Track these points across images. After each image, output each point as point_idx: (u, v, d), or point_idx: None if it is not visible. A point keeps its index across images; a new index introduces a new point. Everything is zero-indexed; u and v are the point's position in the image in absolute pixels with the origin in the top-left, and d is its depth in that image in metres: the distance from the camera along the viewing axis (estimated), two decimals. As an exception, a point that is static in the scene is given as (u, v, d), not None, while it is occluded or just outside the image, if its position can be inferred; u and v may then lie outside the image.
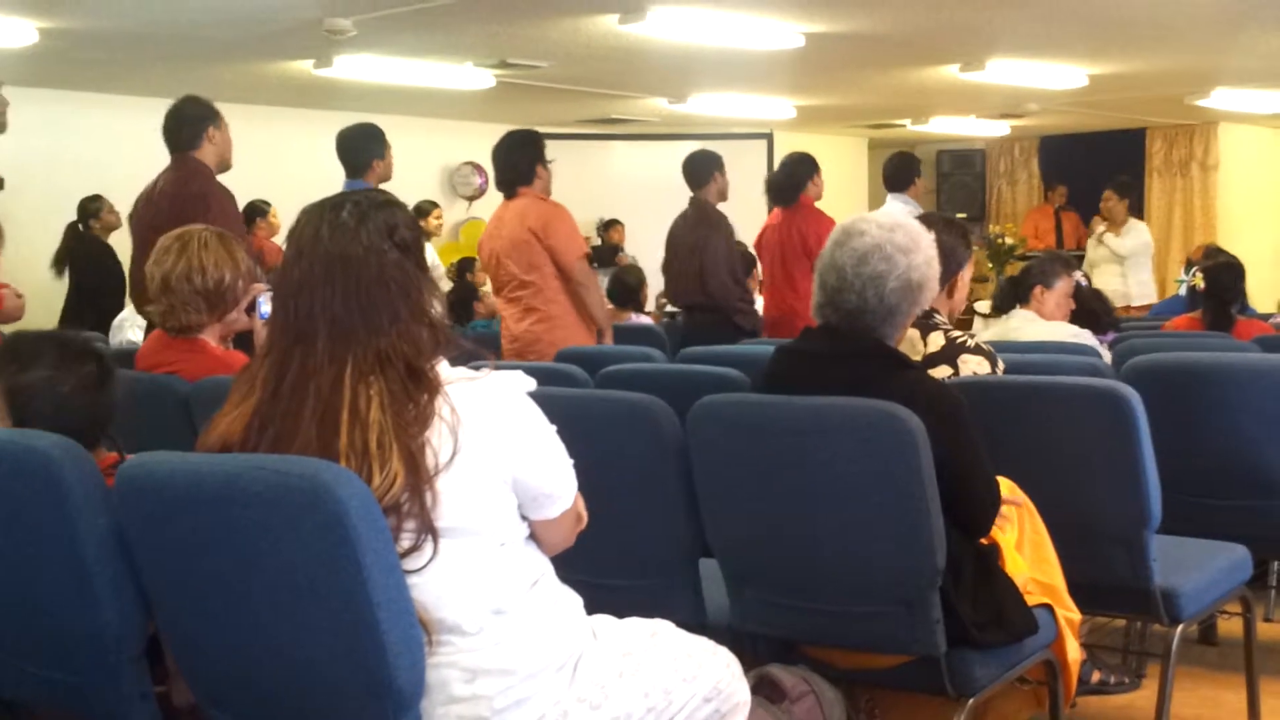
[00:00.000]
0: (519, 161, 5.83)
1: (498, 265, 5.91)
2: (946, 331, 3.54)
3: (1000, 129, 13.48)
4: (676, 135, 11.88)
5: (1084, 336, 5.02)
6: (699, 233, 6.78)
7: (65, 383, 2.67)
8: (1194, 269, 6.87)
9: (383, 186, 5.46)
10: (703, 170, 6.86)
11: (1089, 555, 3.19)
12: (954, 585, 2.73)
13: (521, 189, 5.83)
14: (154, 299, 3.76)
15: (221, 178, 5.07)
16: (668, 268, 7.11)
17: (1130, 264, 9.51)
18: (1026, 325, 5.10)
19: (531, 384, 2.17)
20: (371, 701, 1.96)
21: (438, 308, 2.15)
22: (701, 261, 6.71)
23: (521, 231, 5.74)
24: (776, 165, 7.66)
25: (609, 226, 12.17)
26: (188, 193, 4.86)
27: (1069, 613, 2.99)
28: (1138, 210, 13.28)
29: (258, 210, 9.23)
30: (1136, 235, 9.31)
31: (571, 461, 2.22)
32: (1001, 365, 3.56)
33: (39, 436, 2.35)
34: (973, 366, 3.48)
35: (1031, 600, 2.88)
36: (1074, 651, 2.98)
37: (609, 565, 3.04)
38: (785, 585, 2.93)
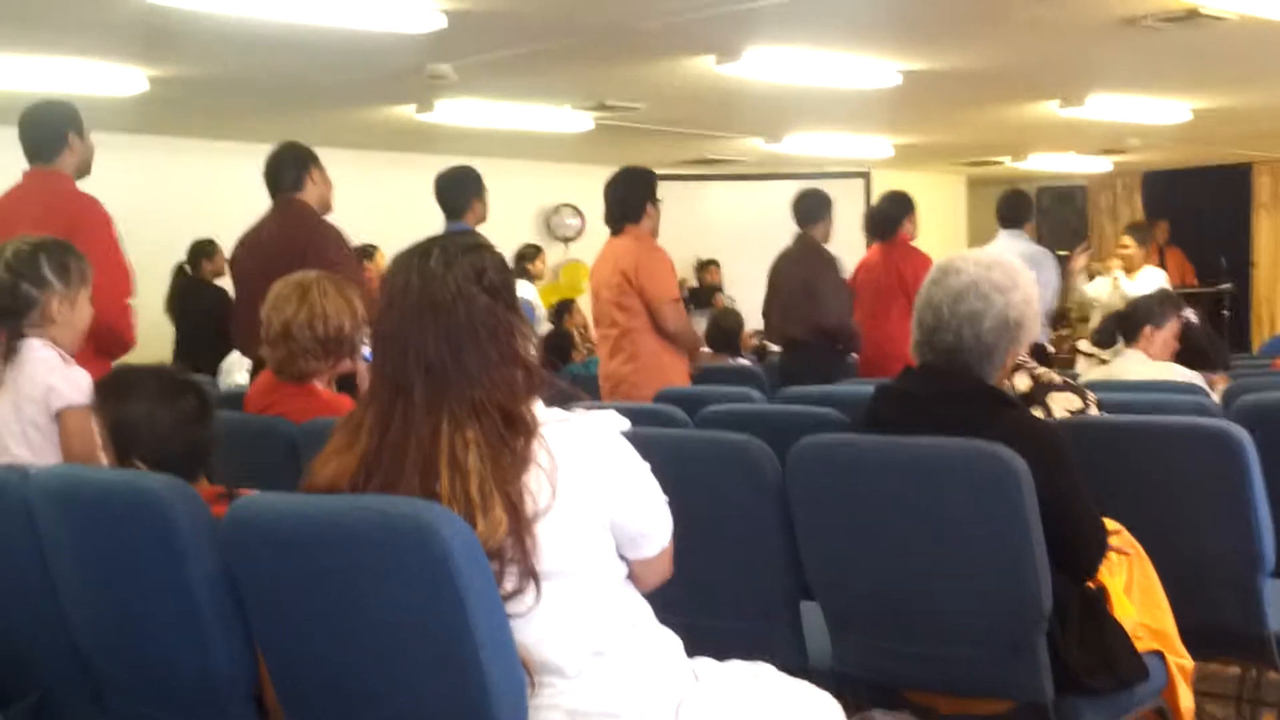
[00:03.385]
0: (628, 198, 5.86)
1: (596, 303, 5.98)
2: (1031, 371, 3.50)
3: (1102, 165, 13.31)
4: (773, 175, 11.88)
5: (1192, 376, 4.92)
6: (813, 268, 6.68)
7: (165, 417, 2.73)
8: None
9: (479, 228, 5.52)
10: (817, 209, 6.83)
11: (1200, 600, 3.12)
12: (1061, 629, 2.68)
13: (628, 226, 5.85)
14: (271, 344, 3.80)
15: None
16: (770, 303, 7.01)
17: None
18: (1133, 365, 5.01)
19: (625, 424, 2.17)
20: (475, 742, 1.97)
21: (532, 349, 2.16)
22: (817, 295, 6.62)
23: (615, 272, 5.78)
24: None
25: (705, 267, 12.18)
26: (304, 237, 4.89)
27: (1180, 659, 2.93)
28: (1230, 250, 12.98)
29: (365, 254, 9.36)
30: (1150, 283, 9.03)
31: (666, 499, 2.22)
32: (1093, 398, 3.51)
33: (148, 477, 2.40)
34: (1063, 404, 3.43)
35: (1141, 646, 2.82)
36: (1186, 699, 2.92)
37: (709, 607, 3.03)
38: (888, 628, 2.90)
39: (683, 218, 11.12)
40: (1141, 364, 5.01)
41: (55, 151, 4.49)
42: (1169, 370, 4.96)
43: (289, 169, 5.09)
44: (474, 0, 5.85)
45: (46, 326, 3.39)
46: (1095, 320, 8.33)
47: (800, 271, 6.71)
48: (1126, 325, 5.24)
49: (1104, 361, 5.38)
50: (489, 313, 2.10)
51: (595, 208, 6.06)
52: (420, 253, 2.15)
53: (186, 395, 2.79)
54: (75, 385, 3.32)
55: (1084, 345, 8.94)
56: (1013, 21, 6.54)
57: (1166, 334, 5.16)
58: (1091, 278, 9.73)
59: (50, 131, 4.51)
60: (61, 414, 3.31)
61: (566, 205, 12.30)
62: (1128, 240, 8.94)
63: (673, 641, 2.24)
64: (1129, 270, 8.79)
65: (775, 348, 7.95)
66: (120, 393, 2.79)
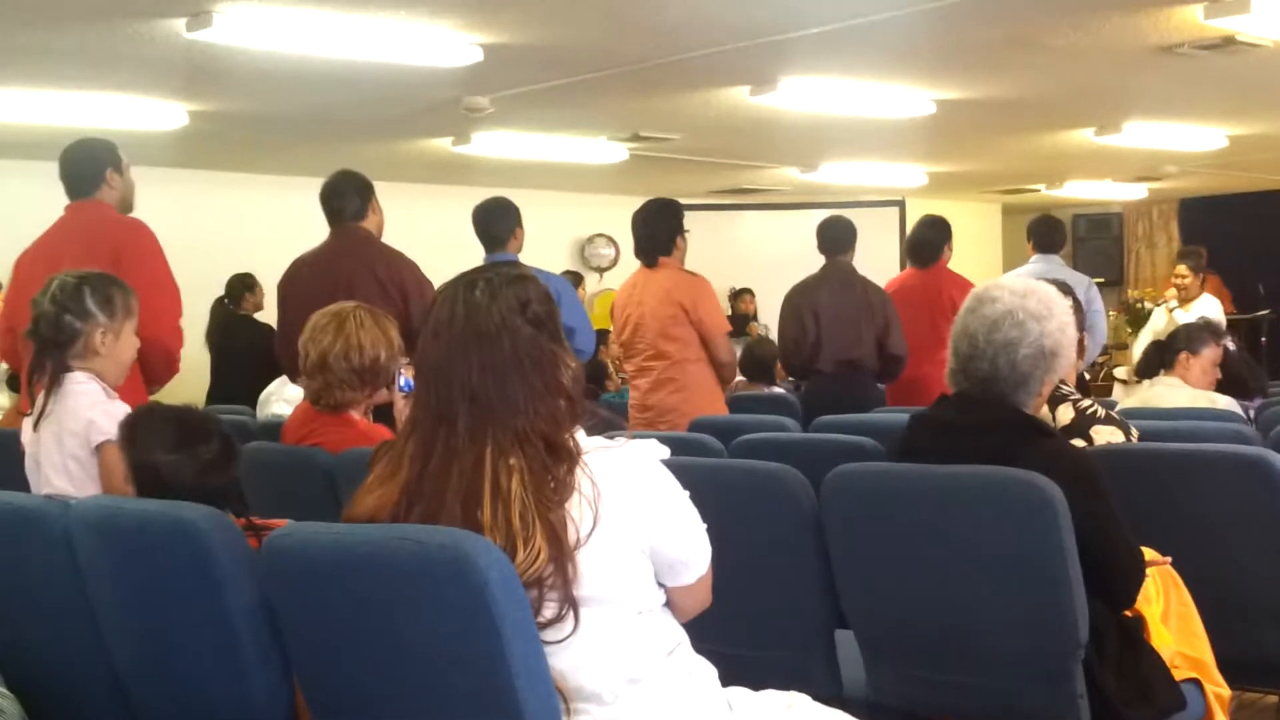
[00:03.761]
0: (659, 231, 5.89)
1: (634, 333, 5.95)
2: (1075, 403, 3.49)
3: (1138, 192, 13.26)
4: (808, 204, 11.88)
5: (1226, 403, 4.90)
6: (876, 295, 6.57)
7: (187, 465, 2.75)
8: (1345, 332, 6.66)
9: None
10: (849, 236, 6.73)
11: (1238, 628, 3.10)
12: (1097, 658, 2.68)
13: (662, 259, 5.89)
14: (308, 375, 3.83)
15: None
16: (807, 330, 6.62)
17: None
18: (1170, 392, 4.99)
19: (665, 452, 2.18)
20: (510, 770, 1.98)
21: (574, 379, 2.17)
22: (892, 323, 6.51)
23: (667, 304, 5.78)
24: (910, 231, 7.58)
25: (739, 296, 12.17)
26: (385, 264, 4.93)
27: (1218, 688, 2.91)
28: (1268, 276, 12.86)
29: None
30: (1205, 313, 8.85)
31: (705, 526, 2.23)
32: (1135, 433, 3.50)
33: (186, 507, 2.42)
34: (1105, 437, 3.42)
35: (1179, 675, 2.81)
36: (1224, 728, 2.90)
37: (744, 636, 3.03)
38: (923, 657, 2.89)
39: (718, 248, 11.13)
40: (1177, 390, 4.98)
41: (94, 188, 4.54)
42: (1206, 398, 4.93)
43: (353, 197, 5.09)
44: (510, 34, 5.90)
45: (90, 359, 3.43)
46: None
47: (857, 298, 6.53)
48: (1165, 353, 5.23)
49: (1137, 383, 5.36)
50: (533, 344, 2.12)
51: (630, 238, 6.09)
52: (465, 284, 2.16)
53: (210, 441, 2.80)
54: (115, 419, 3.33)
55: (1120, 372, 8.92)
56: (1048, 50, 6.55)
57: (1204, 361, 5.13)
58: (1133, 309, 9.64)
59: (88, 168, 4.56)
60: (101, 447, 3.33)
61: (601, 235, 12.34)
62: (1183, 269, 8.83)
63: (708, 670, 2.24)
64: (1185, 300, 8.68)
65: (790, 379, 7.81)
66: (143, 440, 2.80)
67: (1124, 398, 6.12)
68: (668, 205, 6.01)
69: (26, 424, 3.50)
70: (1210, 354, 5.13)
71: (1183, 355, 5.10)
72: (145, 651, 2.53)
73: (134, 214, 4.65)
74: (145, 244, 4.41)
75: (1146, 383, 5.28)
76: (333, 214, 5.12)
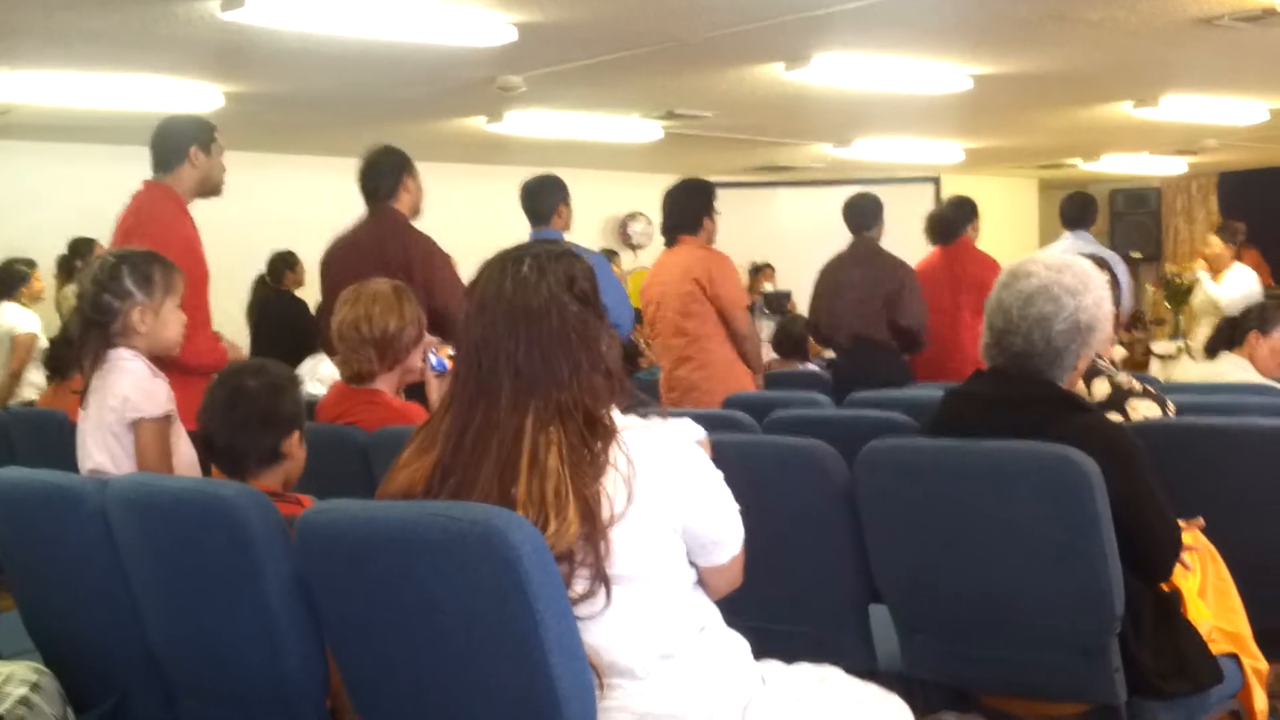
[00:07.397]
0: (686, 210, 5.89)
1: (657, 311, 6.00)
2: (1111, 378, 3.47)
3: (1176, 166, 13.14)
4: (841, 181, 11.83)
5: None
6: (896, 270, 6.56)
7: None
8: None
9: (565, 236, 5.58)
10: (874, 212, 6.72)
11: (1275, 602, 3.08)
12: (1134, 632, 2.67)
13: (683, 237, 5.89)
14: (335, 349, 3.91)
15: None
16: (830, 306, 6.71)
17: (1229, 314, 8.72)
18: (1234, 371, 4.87)
19: (701, 433, 2.19)
20: (544, 744, 1.99)
21: (614, 357, 2.18)
22: (902, 297, 6.51)
23: (685, 281, 5.79)
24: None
25: (758, 271, 12.10)
26: (402, 250, 4.92)
27: (1256, 662, 2.89)
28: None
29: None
30: (1240, 282, 8.69)
31: (739, 507, 2.23)
32: (1173, 408, 3.47)
33: (223, 485, 2.45)
34: (1143, 411, 3.39)
35: (1216, 648, 2.79)
36: (1261, 702, 2.88)
37: (777, 611, 3.03)
38: (958, 631, 2.89)
39: (751, 225, 11.09)
40: (1240, 371, 4.85)
41: (169, 165, 4.58)
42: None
43: (386, 177, 5.10)
44: (544, 12, 5.89)
45: (131, 337, 3.45)
46: (1205, 327, 8.05)
47: (874, 273, 6.55)
48: (1236, 330, 5.08)
49: (1174, 358, 5.27)
50: (580, 320, 2.13)
51: (663, 217, 6.08)
52: (512, 259, 2.17)
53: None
54: (151, 397, 3.36)
55: (1157, 347, 8.83)
56: (1085, 23, 6.49)
57: (1274, 341, 4.96)
58: (1171, 284, 9.50)
59: (170, 143, 4.59)
60: (136, 425, 3.36)
61: (641, 214, 12.34)
62: (1214, 239, 8.73)
63: (740, 644, 2.25)
64: (1216, 271, 8.58)
65: (829, 354, 7.81)
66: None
67: (1161, 373, 6.05)
68: (696, 185, 6.00)
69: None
70: None
71: (1253, 334, 4.95)
72: (181, 628, 2.55)
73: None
74: (166, 241, 4.40)
75: (1187, 359, 5.20)
76: (367, 195, 5.15)
